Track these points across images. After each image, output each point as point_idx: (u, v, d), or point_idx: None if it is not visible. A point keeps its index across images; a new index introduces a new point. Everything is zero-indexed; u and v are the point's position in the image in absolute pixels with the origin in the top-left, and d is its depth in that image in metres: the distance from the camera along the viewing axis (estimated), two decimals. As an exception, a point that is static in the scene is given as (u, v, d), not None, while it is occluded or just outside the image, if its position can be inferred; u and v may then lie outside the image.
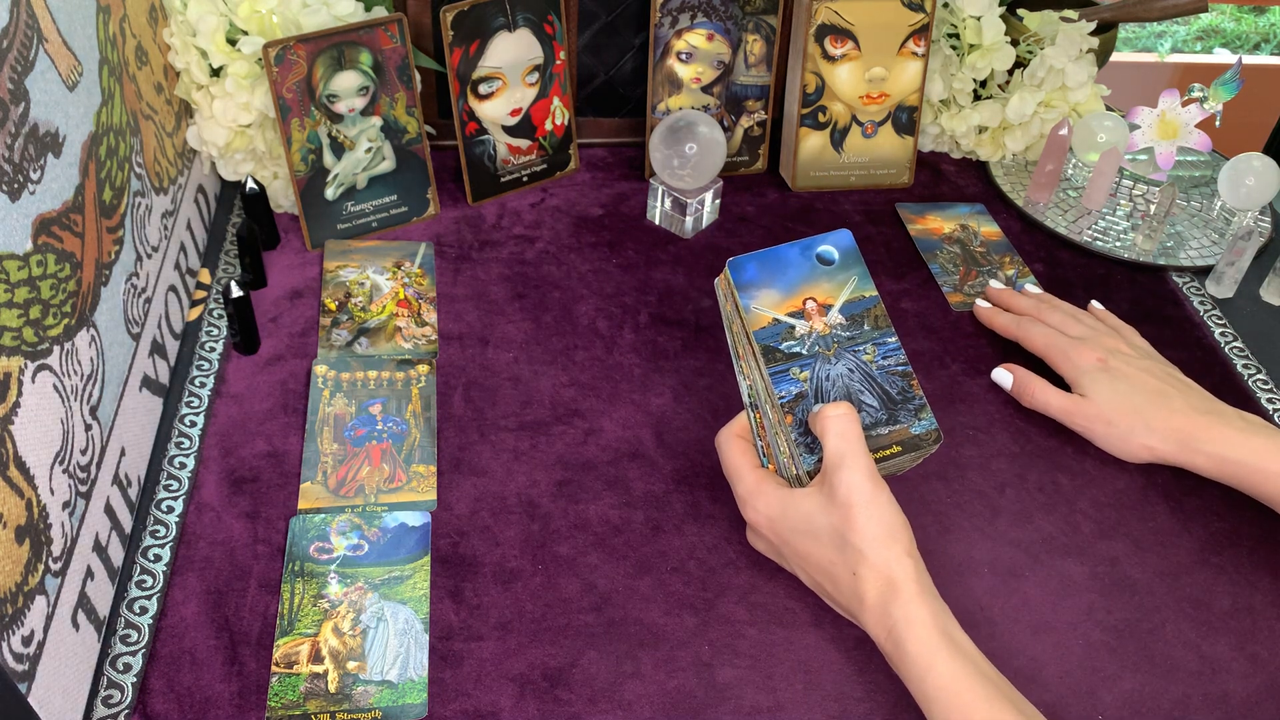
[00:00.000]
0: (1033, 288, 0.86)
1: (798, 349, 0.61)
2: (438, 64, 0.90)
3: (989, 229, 0.94)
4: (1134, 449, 0.71)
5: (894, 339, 0.63)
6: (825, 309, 0.62)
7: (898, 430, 0.61)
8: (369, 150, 0.85)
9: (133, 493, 0.63)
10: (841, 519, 0.57)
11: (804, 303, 0.62)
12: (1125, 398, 0.71)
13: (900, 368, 0.62)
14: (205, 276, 0.82)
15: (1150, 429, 0.70)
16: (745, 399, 0.64)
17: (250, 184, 0.82)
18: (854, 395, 0.61)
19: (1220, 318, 0.87)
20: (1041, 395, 0.74)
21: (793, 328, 0.61)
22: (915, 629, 0.54)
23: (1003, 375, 0.77)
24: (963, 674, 0.53)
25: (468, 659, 0.58)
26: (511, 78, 0.89)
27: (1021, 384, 0.76)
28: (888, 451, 0.61)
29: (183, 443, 0.69)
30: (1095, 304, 0.83)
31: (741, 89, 0.96)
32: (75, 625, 0.53)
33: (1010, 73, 0.99)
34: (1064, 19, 0.97)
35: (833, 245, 0.63)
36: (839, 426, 0.58)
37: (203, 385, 0.73)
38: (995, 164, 1.02)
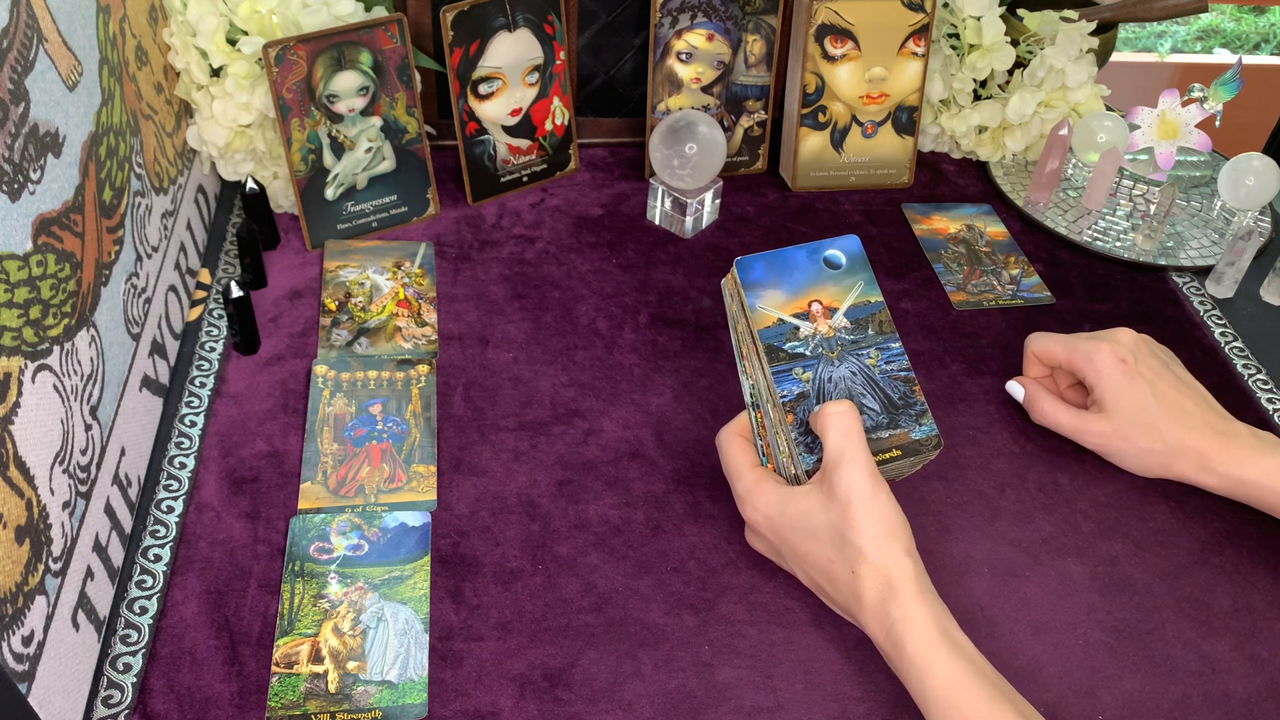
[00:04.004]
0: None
1: (801, 350, 0.61)
2: (438, 64, 0.90)
3: (995, 229, 0.94)
4: (1150, 466, 0.70)
5: (898, 344, 0.63)
6: (830, 312, 0.62)
7: (898, 434, 0.61)
8: (369, 150, 0.85)
9: (133, 493, 0.63)
10: (840, 516, 0.57)
11: (809, 305, 0.62)
12: (1143, 412, 0.69)
13: (903, 373, 0.62)
14: (205, 276, 0.82)
15: (1169, 448, 0.69)
16: (747, 398, 0.64)
17: (250, 184, 0.82)
18: (855, 398, 0.61)
19: (1220, 318, 0.87)
20: (1053, 413, 0.73)
21: (797, 328, 0.61)
22: (914, 629, 0.54)
23: (1015, 388, 0.76)
24: (962, 674, 0.52)
25: (468, 659, 0.58)
26: (511, 78, 0.89)
27: (1032, 399, 0.74)
28: (887, 455, 0.61)
29: (183, 443, 0.68)
30: None
31: (741, 89, 0.96)
32: (75, 625, 0.53)
33: (1010, 73, 0.99)
34: (1064, 19, 0.97)
35: (840, 250, 0.64)
36: (840, 424, 0.58)
37: (203, 385, 0.73)
38: (995, 164, 1.02)
